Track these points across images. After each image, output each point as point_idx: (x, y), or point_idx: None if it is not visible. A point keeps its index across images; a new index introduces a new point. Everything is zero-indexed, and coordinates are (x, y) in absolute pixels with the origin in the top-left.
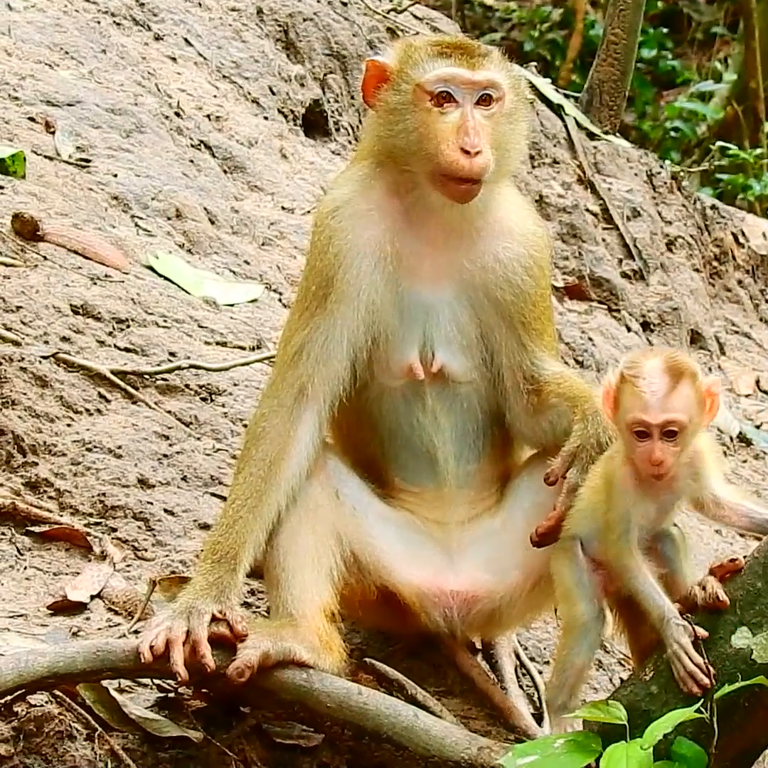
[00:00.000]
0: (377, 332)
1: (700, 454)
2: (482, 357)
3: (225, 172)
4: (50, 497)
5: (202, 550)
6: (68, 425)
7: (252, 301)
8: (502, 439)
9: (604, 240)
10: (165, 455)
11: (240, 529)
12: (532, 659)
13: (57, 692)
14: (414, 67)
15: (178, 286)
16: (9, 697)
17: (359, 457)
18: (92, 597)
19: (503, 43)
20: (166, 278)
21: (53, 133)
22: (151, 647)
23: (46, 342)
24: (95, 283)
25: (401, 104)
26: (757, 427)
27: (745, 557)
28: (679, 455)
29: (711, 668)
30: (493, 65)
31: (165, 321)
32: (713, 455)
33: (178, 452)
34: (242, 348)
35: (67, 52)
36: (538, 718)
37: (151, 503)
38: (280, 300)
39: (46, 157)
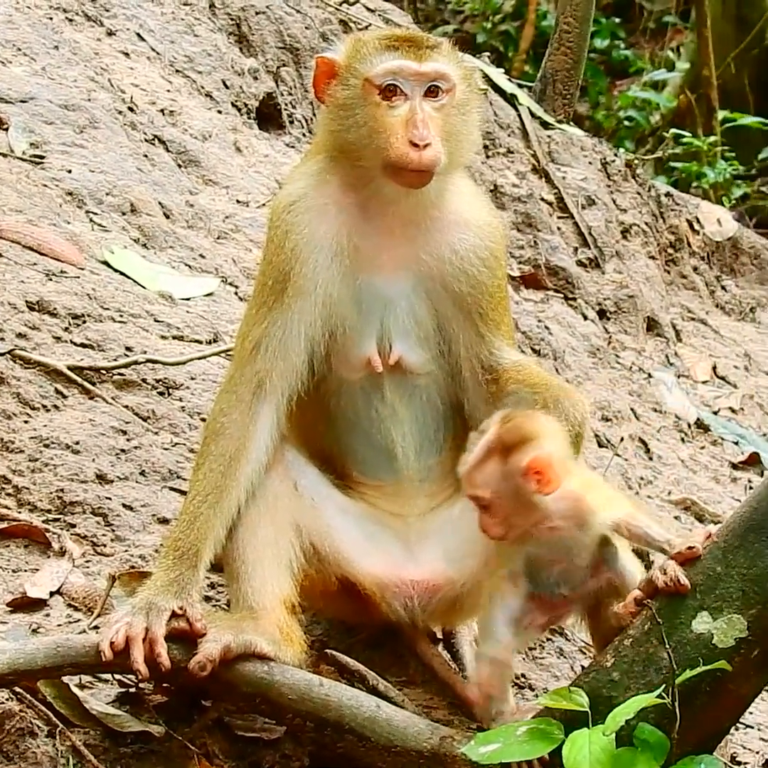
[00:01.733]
0: (335, 325)
1: (580, 503)
2: (440, 348)
3: (179, 166)
4: (8, 494)
5: (162, 546)
6: (25, 422)
7: (208, 294)
8: (463, 430)
9: (559, 229)
10: (123, 450)
11: (200, 525)
12: None
13: (17, 689)
14: (362, 61)
15: (134, 281)
16: None
17: (318, 450)
18: (52, 593)
19: (456, 34)
20: (121, 273)
21: (6, 129)
22: (112, 644)
23: (2, 339)
24: (51, 279)
25: (350, 99)
26: (715, 413)
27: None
28: (505, 522)
29: None
30: (441, 57)
31: (121, 316)
32: (597, 492)
33: (136, 447)
34: (199, 342)
35: (19, 49)
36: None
37: (110, 498)
38: (236, 293)
39: (1, 153)
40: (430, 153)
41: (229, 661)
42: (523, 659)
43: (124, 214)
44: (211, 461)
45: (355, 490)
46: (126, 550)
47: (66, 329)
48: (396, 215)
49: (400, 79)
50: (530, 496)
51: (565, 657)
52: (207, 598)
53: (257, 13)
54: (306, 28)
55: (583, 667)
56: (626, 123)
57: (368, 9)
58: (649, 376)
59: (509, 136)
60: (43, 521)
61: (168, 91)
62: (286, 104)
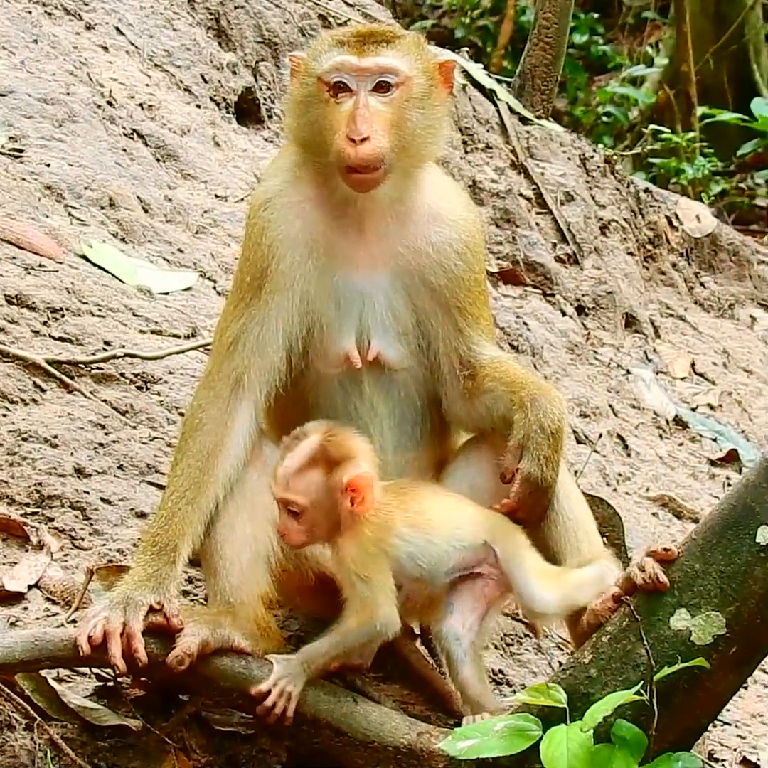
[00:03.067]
0: (312, 322)
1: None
2: (418, 343)
3: (158, 160)
4: None
5: (139, 540)
6: (3, 415)
7: (186, 289)
8: (440, 425)
9: (537, 224)
10: (101, 444)
11: (178, 521)
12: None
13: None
14: (315, 58)
15: (113, 275)
16: None
17: None
18: (30, 587)
19: (434, 30)
20: (100, 267)
21: None
22: (89, 638)
23: None
24: (29, 273)
25: (305, 97)
26: (693, 409)
27: (678, 545)
28: (308, 532)
29: None
30: (391, 51)
31: (100, 310)
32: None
33: (114, 441)
34: (177, 336)
35: None
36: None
37: (88, 492)
38: (214, 288)
39: None
40: (367, 148)
41: (206, 655)
42: (501, 655)
43: (102, 208)
44: (189, 457)
45: None
46: (104, 544)
47: (44, 323)
48: (363, 212)
49: (344, 75)
50: (342, 511)
51: (542, 653)
52: (185, 593)
53: (236, 8)
54: (285, 22)
55: (560, 663)
56: (605, 119)
57: (347, 4)
58: (628, 372)
59: (488, 131)
60: (21, 515)
61: (147, 85)
62: (264, 99)
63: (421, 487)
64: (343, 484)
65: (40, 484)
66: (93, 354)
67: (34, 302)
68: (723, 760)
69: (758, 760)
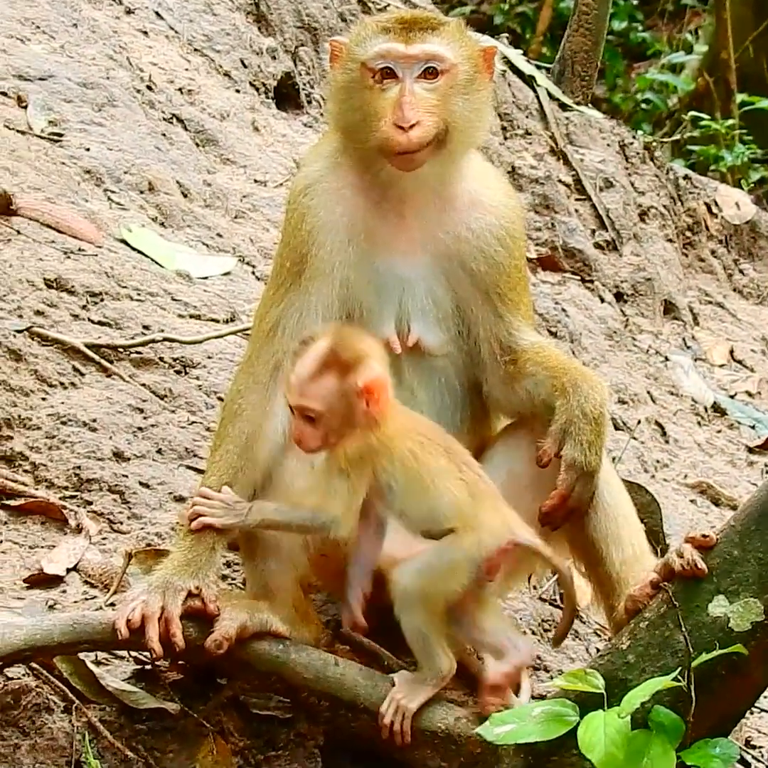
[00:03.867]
0: (352, 307)
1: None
2: (458, 329)
3: (197, 145)
4: (25, 471)
5: (178, 524)
6: (43, 399)
7: (225, 273)
8: (480, 411)
9: (576, 211)
10: (140, 428)
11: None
12: None
13: (34, 665)
14: (359, 45)
15: (152, 260)
16: None
17: None
18: (68, 570)
19: (473, 16)
20: (139, 252)
21: (25, 107)
22: (128, 621)
23: (20, 316)
24: (69, 257)
25: (349, 83)
26: (732, 396)
27: (717, 532)
28: (324, 438)
29: None
30: (436, 38)
31: (138, 294)
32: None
33: (152, 425)
34: (216, 321)
35: (38, 27)
36: (516, 688)
37: (127, 476)
38: (253, 273)
39: (18, 131)
40: (416, 133)
41: (244, 639)
42: (538, 641)
43: (142, 192)
44: (228, 442)
45: None
46: (142, 528)
47: (84, 307)
48: (405, 197)
49: (390, 61)
50: (358, 414)
51: (580, 639)
52: (223, 577)
53: None
54: (325, 7)
55: (598, 649)
56: (644, 106)
57: None
58: (666, 359)
59: (527, 117)
60: (60, 498)
61: (186, 69)
62: (304, 84)
63: (457, 456)
64: (358, 387)
65: (78, 467)
66: (132, 338)
67: (73, 286)
68: (760, 747)
69: None
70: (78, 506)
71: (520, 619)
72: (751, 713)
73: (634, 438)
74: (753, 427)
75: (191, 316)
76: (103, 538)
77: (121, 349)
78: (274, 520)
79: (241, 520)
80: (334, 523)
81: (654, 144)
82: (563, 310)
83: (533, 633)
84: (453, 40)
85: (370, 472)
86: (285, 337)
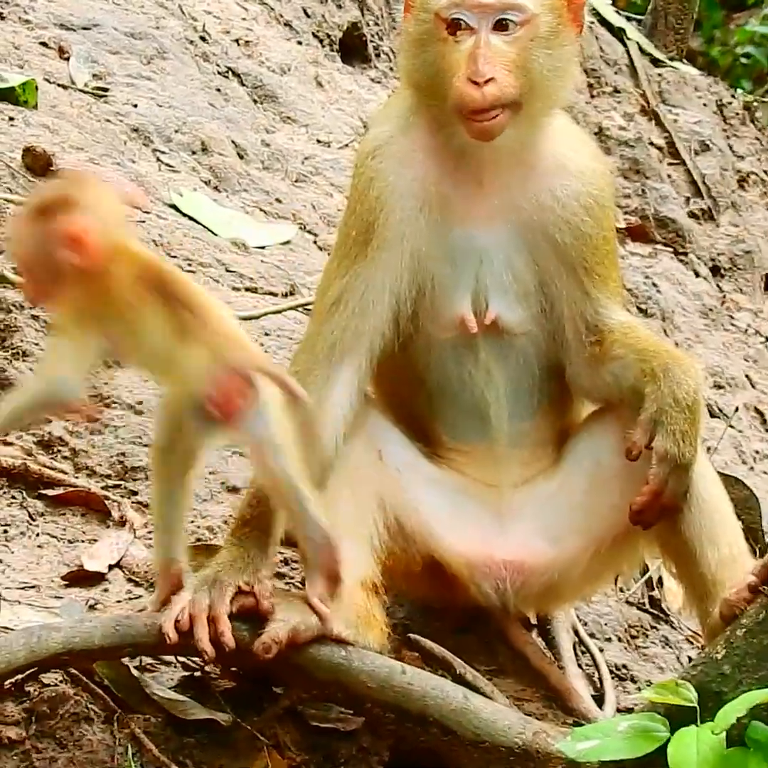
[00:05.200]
0: (424, 281)
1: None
2: (540, 306)
3: (255, 101)
4: (65, 457)
5: (231, 517)
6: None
7: (284, 242)
8: (560, 394)
9: (669, 176)
10: None
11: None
12: (592, 636)
13: (72, 670)
14: None
15: (204, 227)
16: (20, 676)
17: (404, 414)
18: (111, 566)
19: None
20: (190, 218)
21: (67, 59)
22: (176, 623)
23: None
24: None
25: (421, 34)
26: None
27: None
28: (31, 289)
29: None
30: None
31: (190, 265)
32: None
33: None
34: (274, 294)
35: None
36: (599, 700)
37: None
38: (315, 242)
39: (59, 85)
40: (492, 89)
41: (299, 644)
42: (625, 649)
43: (194, 153)
44: None
45: (444, 458)
46: (192, 521)
47: None
48: (482, 161)
49: (464, 11)
50: (64, 265)
51: (670, 647)
52: (280, 576)
53: None
54: None
55: (690, 658)
56: (743, 60)
57: None
58: (767, 339)
59: (616, 74)
60: (102, 488)
61: (243, 19)
62: (372, 35)
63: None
64: (59, 234)
65: (122, 454)
66: None
67: None
68: None
69: None
70: (122, 497)
71: (605, 624)
72: None
73: (732, 426)
74: None
75: (247, 289)
76: (149, 532)
77: None
78: (15, 409)
79: None
80: (63, 386)
81: (755, 103)
82: (654, 284)
83: (619, 639)
84: None
85: (96, 327)
86: (349, 312)
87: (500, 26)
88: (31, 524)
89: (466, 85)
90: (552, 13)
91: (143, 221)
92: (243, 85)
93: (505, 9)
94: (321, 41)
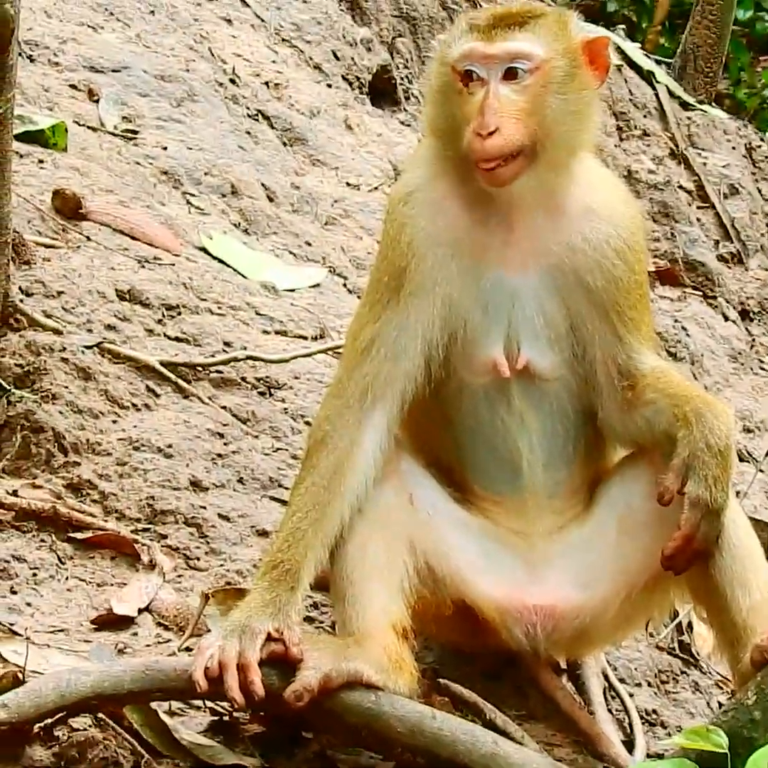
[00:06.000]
0: (456, 326)
1: None
2: (572, 350)
3: (284, 144)
4: (94, 501)
5: (260, 561)
6: (113, 422)
7: (314, 285)
8: (594, 440)
9: (699, 219)
10: (219, 455)
11: (301, 543)
12: (622, 681)
13: (101, 715)
14: (449, 45)
15: (234, 270)
16: (49, 720)
17: (435, 460)
18: (140, 610)
19: (584, 4)
20: (220, 261)
21: (97, 101)
22: (206, 670)
23: (90, 330)
24: (143, 266)
25: (441, 86)
26: None
27: None
28: None
29: None
30: (524, 34)
31: (219, 308)
32: None
33: (233, 452)
34: (304, 337)
35: (112, 14)
36: (629, 746)
37: (205, 507)
38: (345, 285)
39: (89, 127)
40: (495, 141)
41: (330, 690)
42: (655, 694)
43: (223, 196)
44: (314, 474)
45: (475, 505)
46: (221, 565)
47: (159, 321)
48: (510, 207)
49: (474, 63)
50: None
51: (701, 692)
52: (309, 620)
53: None
54: None
55: (720, 703)
56: None
57: None
58: None
59: (645, 117)
60: (132, 531)
61: (273, 62)
62: (401, 78)
63: None
64: None
65: (152, 497)
66: (212, 356)
67: (148, 298)
68: None
69: None
70: (151, 540)
71: (635, 669)
72: None
73: (761, 471)
74: None
75: (277, 333)
76: (179, 576)
77: (199, 368)
78: None
79: None
80: None
81: None
82: (683, 328)
83: (649, 684)
84: (545, 34)
85: None
86: (380, 357)
87: (510, 75)
88: (60, 568)
89: (473, 136)
90: (566, 58)
91: (173, 264)
92: (273, 127)
93: (513, 58)
94: (350, 84)
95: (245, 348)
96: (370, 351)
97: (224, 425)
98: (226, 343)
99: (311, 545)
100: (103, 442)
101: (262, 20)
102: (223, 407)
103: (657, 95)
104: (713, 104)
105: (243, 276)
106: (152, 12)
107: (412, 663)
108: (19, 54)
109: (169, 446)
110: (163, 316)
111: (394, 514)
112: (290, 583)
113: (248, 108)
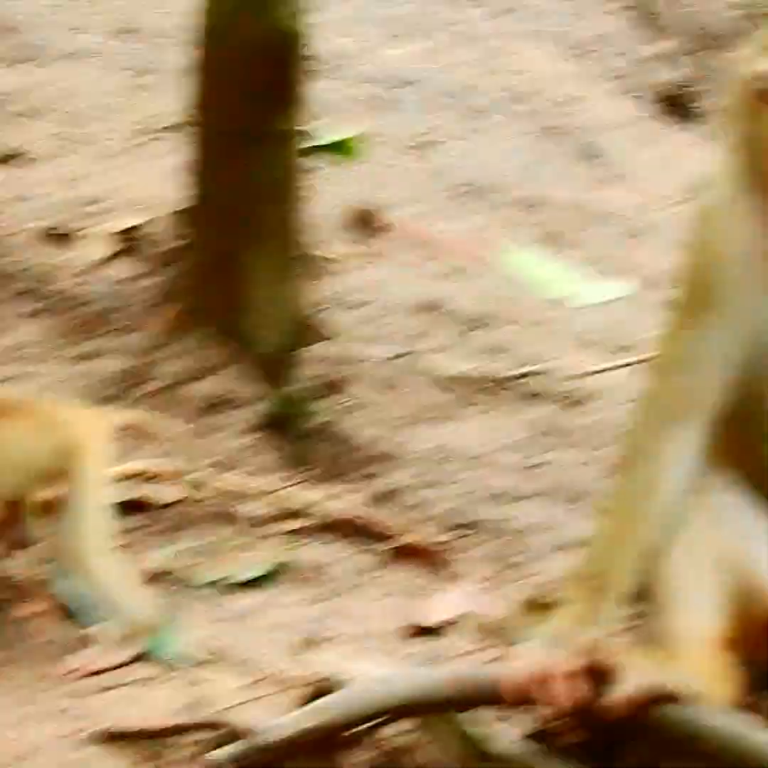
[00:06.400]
0: (765, 342)
1: None
2: None
3: (581, 158)
4: (400, 510)
5: (571, 572)
6: (417, 433)
7: (617, 299)
8: None
9: None
10: (525, 467)
11: (616, 556)
12: None
13: (413, 723)
14: (746, 62)
15: (536, 283)
16: (361, 727)
17: (745, 475)
18: (449, 621)
19: None
20: (521, 274)
21: (394, 114)
22: (521, 681)
23: (393, 341)
24: (445, 279)
25: (740, 103)
26: None
27: None
28: None
29: None
30: None
31: (522, 321)
32: None
33: (540, 463)
34: (608, 351)
35: (408, 27)
36: None
37: (512, 519)
38: (649, 299)
39: (385, 141)
40: None
41: (647, 702)
42: None
43: (522, 209)
44: (625, 488)
45: None
46: (530, 576)
47: (462, 334)
48: None
49: None
50: None
51: None
52: (624, 631)
53: None
54: (724, 10)
55: None
56: None
57: None
58: None
59: None
60: (439, 542)
61: (567, 76)
62: (697, 93)
63: None
64: None
65: (459, 508)
66: (517, 369)
67: (450, 310)
68: None
69: None
70: (459, 551)
71: None
72: None
73: None
74: None
75: (582, 345)
76: (488, 586)
77: (504, 381)
78: None
79: None
80: None
81: None
82: None
83: None
84: None
85: None
86: (690, 372)
87: None
88: (367, 577)
89: None
90: None
91: (477, 277)
92: (568, 142)
93: None
94: (645, 99)
95: (549, 361)
96: (681, 365)
97: (530, 437)
98: (529, 356)
99: (627, 557)
100: (407, 452)
101: (557, 35)
102: (529, 420)
103: None
104: None
105: (545, 289)
106: (449, 26)
107: (733, 677)
108: (316, 69)
109: (475, 458)
110: (466, 328)
111: (707, 530)
112: (606, 594)
113: (544, 122)
